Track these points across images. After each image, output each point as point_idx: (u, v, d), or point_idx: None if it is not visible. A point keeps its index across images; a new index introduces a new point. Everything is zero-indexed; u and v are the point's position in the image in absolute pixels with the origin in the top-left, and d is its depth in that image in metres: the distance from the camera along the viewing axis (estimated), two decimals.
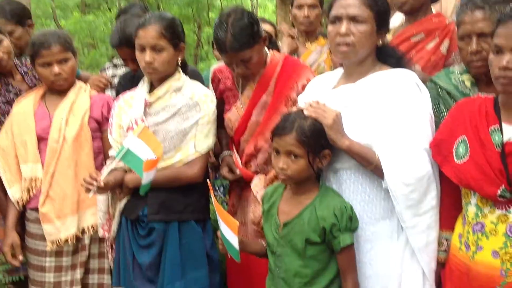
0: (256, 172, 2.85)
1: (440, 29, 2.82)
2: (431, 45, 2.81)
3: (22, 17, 3.58)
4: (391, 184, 2.17)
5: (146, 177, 2.52)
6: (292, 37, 4.01)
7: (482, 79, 2.40)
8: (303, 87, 2.72)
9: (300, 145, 2.15)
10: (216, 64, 4.60)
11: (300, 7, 3.92)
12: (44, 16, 14.09)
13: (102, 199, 2.86)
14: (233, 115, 2.86)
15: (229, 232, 2.25)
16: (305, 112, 2.21)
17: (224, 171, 2.91)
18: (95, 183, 2.55)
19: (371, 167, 2.20)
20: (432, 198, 2.20)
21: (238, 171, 2.86)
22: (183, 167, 2.75)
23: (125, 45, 3.04)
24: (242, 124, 2.83)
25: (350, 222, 2.15)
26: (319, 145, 2.18)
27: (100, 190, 2.60)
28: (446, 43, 2.79)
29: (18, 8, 3.60)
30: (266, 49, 2.87)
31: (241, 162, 2.88)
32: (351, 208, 2.18)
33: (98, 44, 14.35)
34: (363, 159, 2.20)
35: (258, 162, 2.83)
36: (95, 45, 14.23)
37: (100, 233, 2.91)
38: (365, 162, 2.21)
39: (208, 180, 2.43)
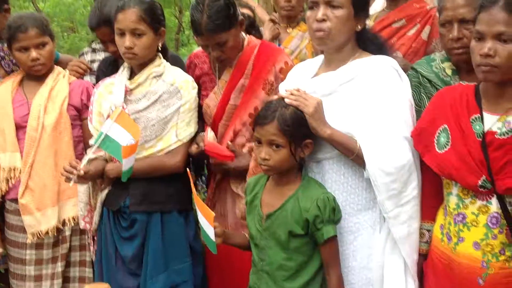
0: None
1: (422, 15, 2.81)
2: (412, 32, 2.81)
3: None
4: (372, 173, 2.16)
5: (127, 163, 2.47)
6: (274, 22, 3.97)
7: (463, 67, 2.40)
8: (281, 70, 2.72)
9: (282, 135, 2.13)
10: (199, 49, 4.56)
11: None
12: None
13: (82, 190, 2.81)
14: (211, 101, 2.83)
15: (206, 223, 2.22)
16: (286, 101, 2.18)
17: (193, 147, 2.77)
18: (75, 171, 2.51)
19: (352, 157, 2.19)
20: (413, 188, 2.19)
21: (202, 145, 2.73)
22: (165, 156, 2.71)
23: (103, 25, 2.98)
24: (220, 108, 2.80)
25: (333, 214, 2.14)
26: (301, 134, 2.16)
27: (81, 179, 2.56)
28: (427, 30, 2.79)
29: None
30: (243, 33, 2.84)
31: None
32: (334, 199, 2.17)
33: (78, 28, 14.13)
34: (344, 148, 2.19)
35: (236, 145, 2.79)
36: (74, 29, 14.00)
37: (81, 225, 2.86)
38: (346, 151, 2.19)
39: (188, 169, 2.40)
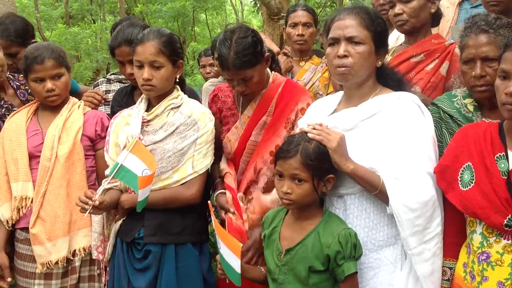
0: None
1: (440, 50, 2.81)
2: (430, 66, 2.81)
3: (26, 37, 3.50)
4: (396, 209, 2.13)
5: (142, 194, 2.45)
6: (287, 56, 4.00)
7: (485, 103, 2.40)
8: (302, 111, 2.71)
9: (304, 169, 2.12)
10: (208, 82, 4.58)
11: (294, 25, 3.93)
12: None
13: (97, 220, 2.78)
14: (233, 135, 2.82)
15: (230, 255, 2.19)
16: (309, 135, 2.17)
17: (221, 214, 2.80)
18: (90, 202, 2.47)
19: (375, 192, 2.17)
20: (437, 225, 2.17)
21: (232, 209, 2.75)
22: (180, 188, 2.69)
23: (124, 44, 3.00)
24: (241, 144, 2.79)
25: (355, 250, 2.11)
26: (324, 169, 2.15)
27: (95, 209, 2.52)
28: (445, 65, 2.79)
29: (22, 29, 3.51)
30: (268, 70, 2.85)
31: (242, 188, 2.79)
32: (356, 235, 2.14)
33: (82, 56, 14.23)
34: (367, 183, 2.17)
35: (258, 187, 2.77)
36: (79, 58, 14.11)
37: (94, 255, 2.82)
38: (369, 186, 2.17)
39: (209, 202, 2.38)
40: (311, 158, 2.11)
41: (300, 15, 3.93)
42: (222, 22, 19.54)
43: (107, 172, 2.73)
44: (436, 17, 2.97)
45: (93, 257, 2.85)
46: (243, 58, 2.58)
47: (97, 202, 2.47)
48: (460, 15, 3.72)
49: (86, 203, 2.47)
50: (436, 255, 2.19)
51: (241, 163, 2.81)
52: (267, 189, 2.75)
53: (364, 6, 2.42)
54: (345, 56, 2.23)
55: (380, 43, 2.29)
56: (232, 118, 2.87)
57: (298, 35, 3.89)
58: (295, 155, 2.12)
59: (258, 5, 10.99)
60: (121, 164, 2.47)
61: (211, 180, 2.89)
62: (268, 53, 2.77)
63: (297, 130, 2.29)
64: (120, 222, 2.74)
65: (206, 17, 17.86)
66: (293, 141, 2.17)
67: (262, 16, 10.32)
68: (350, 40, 2.24)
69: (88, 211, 2.47)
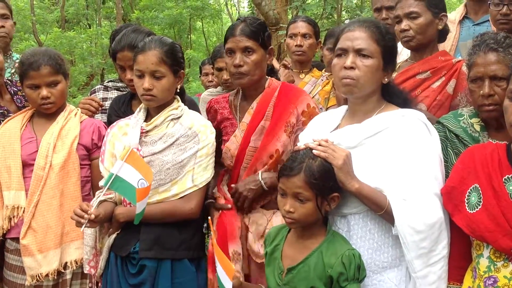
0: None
1: (447, 68, 2.77)
2: (437, 84, 2.77)
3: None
4: (402, 231, 2.08)
5: (139, 206, 2.36)
6: (286, 67, 3.96)
7: (492, 123, 2.35)
8: (303, 113, 2.68)
9: (308, 188, 2.06)
10: (207, 92, 4.53)
11: (293, 36, 3.90)
12: (23, 30, 13.85)
13: (89, 233, 2.69)
14: (232, 144, 2.76)
15: (224, 276, 2.14)
16: (314, 152, 2.12)
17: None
18: (86, 216, 2.39)
19: (381, 213, 2.11)
20: (443, 248, 2.12)
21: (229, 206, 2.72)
22: (179, 202, 2.61)
23: (127, 49, 2.94)
24: (241, 151, 2.73)
25: (358, 272, 2.05)
26: (328, 188, 2.09)
27: (91, 223, 2.45)
28: (452, 83, 2.75)
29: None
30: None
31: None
32: (360, 256, 2.08)
33: (76, 61, 14.15)
34: (372, 203, 2.11)
35: None
36: (74, 62, 14.02)
37: (86, 269, 2.73)
38: (374, 206, 2.12)
39: (209, 218, 2.31)
40: (315, 177, 2.06)
41: (300, 26, 3.91)
42: (218, 31, 19.54)
43: (101, 183, 2.67)
44: (443, 34, 2.94)
45: (85, 272, 2.76)
46: (251, 27, 2.67)
47: (93, 216, 2.39)
48: (462, 32, 3.69)
49: (82, 217, 2.39)
50: (441, 278, 2.13)
51: (241, 170, 2.74)
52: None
53: (375, 20, 2.39)
54: (351, 68, 2.19)
55: (388, 59, 2.25)
56: (231, 129, 2.81)
57: (296, 45, 3.86)
58: (299, 173, 2.07)
59: (255, 15, 10.98)
60: (116, 175, 2.40)
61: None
62: (272, 48, 2.81)
63: (301, 145, 2.22)
64: (114, 236, 2.65)
65: (202, 25, 17.83)
66: (297, 158, 2.11)
67: None
68: (358, 52, 2.20)
69: (84, 226, 2.39)
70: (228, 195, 2.76)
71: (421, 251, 2.07)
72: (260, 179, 2.65)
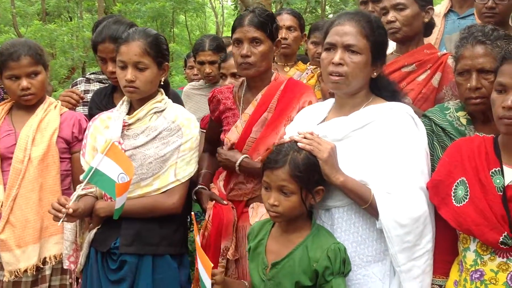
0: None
1: (432, 61, 2.76)
2: (422, 77, 2.75)
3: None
4: (386, 225, 2.05)
5: (119, 201, 2.31)
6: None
7: (478, 117, 2.33)
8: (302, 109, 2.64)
9: (292, 181, 2.02)
10: (189, 85, 4.46)
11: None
12: (3, 22, 13.63)
13: (69, 228, 2.63)
14: (233, 134, 2.71)
15: (204, 273, 2.12)
16: (299, 144, 2.08)
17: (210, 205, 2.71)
18: (63, 210, 2.33)
19: (365, 206, 2.09)
20: (427, 242, 2.10)
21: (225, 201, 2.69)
22: (161, 196, 2.56)
23: (108, 40, 2.88)
24: (241, 142, 2.68)
25: (344, 266, 2.03)
26: (313, 181, 2.06)
27: (69, 217, 2.38)
28: (437, 76, 2.73)
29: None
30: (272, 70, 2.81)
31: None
32: (345, 250, 2.06)
33: (57, 54, 13.96)
34: (357, 196, 2.09)
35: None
36: (54, 55, 13.82)
37: (66, 264, 2.67)
38: (359, 200, 2.09)
39: (192, 213, 2.27)
40: (300, 170, 2.02)
41: (285, 19, 3.87)
42: (202, 24, 19.42)
43: (82, 177, 2.61)
44: (429, 27, 2.92)
45: (65, 267, 2.70)
46: (260, 18, 2.64)
47: (70, 210, 2.33)
48: (447, 26, 3.68)
49: (60, 211, 2.33)
50: (426, 272, 2.11)
51: None
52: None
53: (367, 13, 2.35)
54: (340, 64, 2.16)
55: (378, 54, 2.23)
56: (233, 119, 2.77)
57: (281, 38, 3.81)
58: (283, 166, 2.03)
59: (238, 8, 10.91)
60: (96, 168, 2.34)
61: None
62: (280, 40, 2.81)
63: (286, 138, 2.19)
64: (94, 231, 2.59)
65: (185, 18, 17.69)
66: (282, 151, 2.07)
67: None
68: (347, 48, 2.17)
69: (61, 220, 2.33)
70: (223, 190, 2.73)
71: (405, 245, 2.05)
72: (239, 160, 2.63)
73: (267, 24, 2.65)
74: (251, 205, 2.66)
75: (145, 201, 2.54)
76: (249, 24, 2.63)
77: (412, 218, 2.05)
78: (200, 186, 2.78)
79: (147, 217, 2.54)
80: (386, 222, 2.05)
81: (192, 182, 2.72)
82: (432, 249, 2.12)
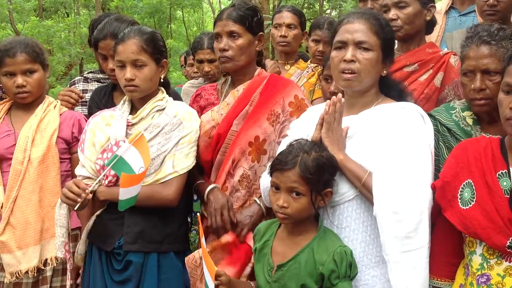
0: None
1: (435, 60, 2.75)
2: (424, 77, 2.74)
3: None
4: (378, 208, 2.03)
5: (132, 191, 2.30)
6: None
7: (484, 117, 2.31)
8: (290, 104, 2.64)
9: (303, 182, 2.01)
10: (188, 83, 4.44)
11: (278, 26, 3.83)
12: (0, 18, 13.56)
13: (64, 213, 2.53)
14: (206, 116, 2.69)
15: (208, 276, 2.11)
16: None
17: None
18: (83, 194, 2.34)
19: (359, 185, 2.09)
20: (422, 238, 2.01)
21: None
22: (158, 186, 2.52)
23: (109, 37, 2.87)
24: (223, 133, 2.64)
25: (350, 269, 2.01)
26: (323, 183, 2.05)
27: (82, 204, 2.38)
28: (440, 76, 2.72)
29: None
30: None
31: (220, 181, 2.65)
32: (351, 253, 2.03)
33: (54, 50, 13.91)
34: (353, 175, 2.10)
35: (233, 180, 2.62)
36: (51, 52, 13.77)
37: (62, 253, 2.55)
38: (355, 179, 2.11)
39: (198, 213, 2.24)
40: (310, 171, 2.01)
41: (284, 16, 3.84)
42: (199, 20, 19.36)
43: (79, 172, 2.59)
44: (430, 25, 2.90)
45: (60, 255, 2.58)
46: (239, 12, 2.63)
47: (90, 195, 2.36)
48: (448, 23, 3.67)
49: (79, 195, 2.33)
50: (417, 269, 2.01)
51: (219, 154, 2.66)
52: (241, 182, 2.61)
53: (374, 11, 2.35)
54: (352, 61, 2.16)
55: (387, 51, 2.23)
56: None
57: (280, 36, 3.79)
58: (294, 168, 2.01)
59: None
60: (120, 156, 2.33)
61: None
62: (262, 34, 2.74)
63: (291, 134, 2.19)
64: (93, 218, 2.56)
65: (183, 14, 17.64)
66: (292, 152, 2.05)
67: None
68: (358, 45, 2.17)
69: (77, 206, 2.33)
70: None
71: (395, 233, 2.00)
72: (258, 202, 2.57)
73: (246, 18, 2.63)
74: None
75: (143, 190, 2.47)
76: (227, 18, 2.63)
77: (406, 206, 2.01)
78: (200, 181, 2.72)
79: (144, 205, 2.47)
80: (378, 205, 2.03)
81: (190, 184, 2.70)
82: (427, 248, 2.03)
